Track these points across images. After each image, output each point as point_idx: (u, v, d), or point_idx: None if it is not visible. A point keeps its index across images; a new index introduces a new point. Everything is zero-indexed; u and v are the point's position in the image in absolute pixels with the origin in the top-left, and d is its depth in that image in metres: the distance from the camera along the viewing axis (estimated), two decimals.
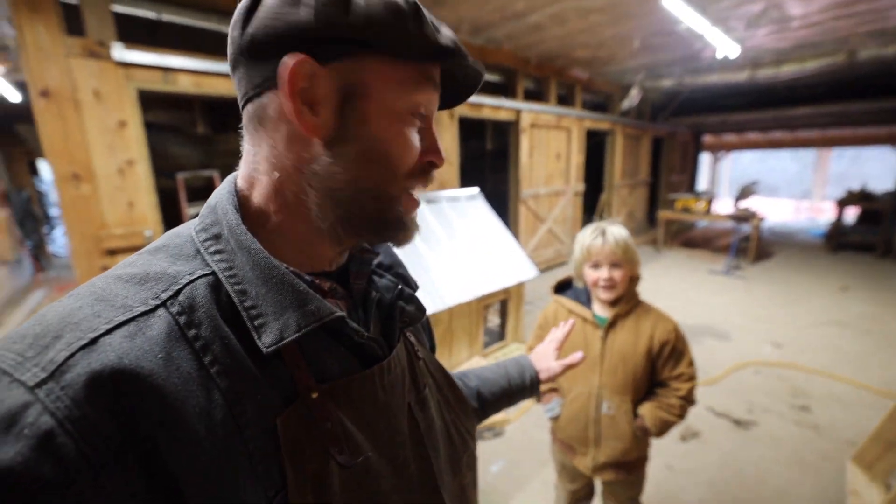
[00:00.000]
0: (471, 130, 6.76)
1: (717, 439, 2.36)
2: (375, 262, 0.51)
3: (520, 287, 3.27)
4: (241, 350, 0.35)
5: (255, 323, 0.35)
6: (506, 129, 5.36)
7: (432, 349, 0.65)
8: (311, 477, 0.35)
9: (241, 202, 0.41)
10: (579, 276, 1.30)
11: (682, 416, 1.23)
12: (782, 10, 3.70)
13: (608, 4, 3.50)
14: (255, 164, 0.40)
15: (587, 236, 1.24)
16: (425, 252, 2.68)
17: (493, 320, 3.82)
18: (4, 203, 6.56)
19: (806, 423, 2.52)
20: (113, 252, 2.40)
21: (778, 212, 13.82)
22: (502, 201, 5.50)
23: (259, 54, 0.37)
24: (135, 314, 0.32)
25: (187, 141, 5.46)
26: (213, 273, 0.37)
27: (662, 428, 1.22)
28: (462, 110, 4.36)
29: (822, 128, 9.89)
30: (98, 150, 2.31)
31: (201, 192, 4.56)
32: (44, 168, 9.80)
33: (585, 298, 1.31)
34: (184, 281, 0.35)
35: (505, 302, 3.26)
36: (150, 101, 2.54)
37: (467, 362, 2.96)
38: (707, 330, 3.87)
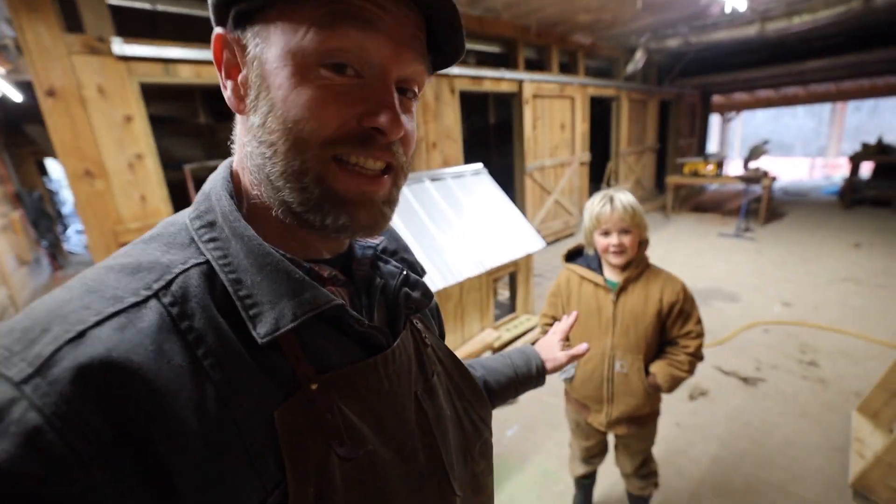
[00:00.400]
0: (473, 105, 6.67)
1: (725, 397, 2.43)
2: (379, 247, 0.49)
3: (528, 259, 3.31)
4: (237, 341, 0.34)
5: (250, 313, 0.34)
6: (508, 102, 5.29)
7: (441, 336, 0.63)
8: (312, 470, 0.35)
9: (237, 188, 0.40)
10: (589, 243, 1.35)
11: (691, 371, 1.29)
12: None
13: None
14: (240, 147, 0.40)
15: (595, 204, 1.29)
16: (433, 229, 2.73)
17: (503, 293, 3.89)
18: (17, 204, 6.72)
19: (813, 377, 2.57)
20: None
21: (792, 171, 13.49)
22: (508, 175, 5.48)
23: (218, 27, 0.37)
24: (125, 305, 0.31)
25: (190, 132, 5.49)
26: (208, 262, 0.36)
27: (673, 384, 1.29)
28: (463, 84, 4.31)
29: (837, 80, 9.52)
30: (107, 146, 2.37)
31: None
32: (53, 167, 9.95)
33: (597, 265, 1.37)
34: (177, 270, 0.34)
35: (514, 274, 3.32)
36: (150, 94, 2.57)
37: (479, 335, 3.05)
38: (716, 293, 3.90)
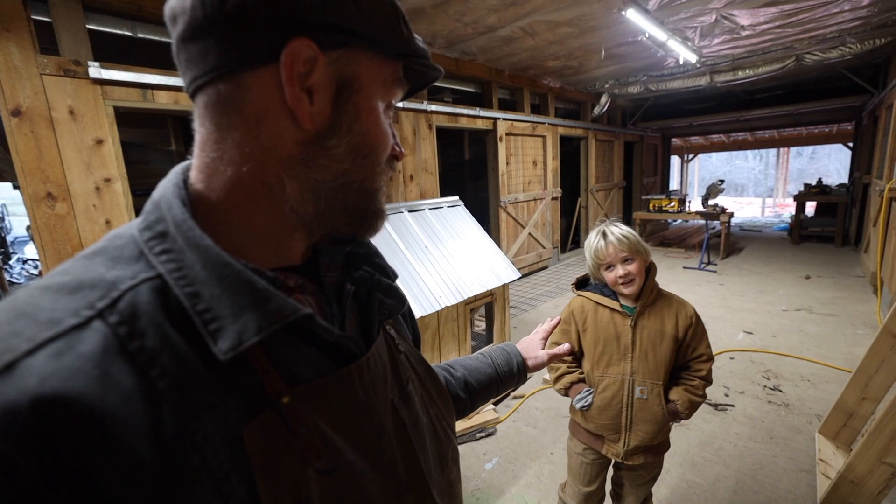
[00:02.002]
0: (449, 140, 6.89)
1: (698, 423, 2.47)
2: (349, 252, 0.49)
3: (504, 290, 3.35)
4: (197, 359, 0.32)
5: (210, 328, 0.32)
6: (482, 139, 5.51)
7: (415, 342, 0.63)
8: (288, 488, 0.33)
9: (194, 195, 0.37)
10: (598, 279, 1.37)
11: (704, 395, 1.30)
12: (732, 21, 3.97)
13: (575, 17, 3.69)
14: (217, 153, 0.36)
15: (591, 242, 1.32)
16: (411, 258, 2.74)
17: (480, 325, 3.89)
18: None
19: (778, 401, 2.66)
20: None
21: (745, 209, 14.45)
22: (483, 208, 5.61)
23: (246, 28, 0.33)
24: (63, 329, 0.28)
25: (160, 158, 5.39)
26: (160, 276, 0.33)
27: (691, 409, 1.28)
28: (440, 121, 4.47)
29: (779, 128, 10.48)
30: (74, 169, 2.29)
31: None
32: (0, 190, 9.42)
33: (610, 291, 1.35)
34: (124, 287, 0.31)
35: (490, 305, 3.34)
36: (121, 119, 2.54)
37: None
38: None
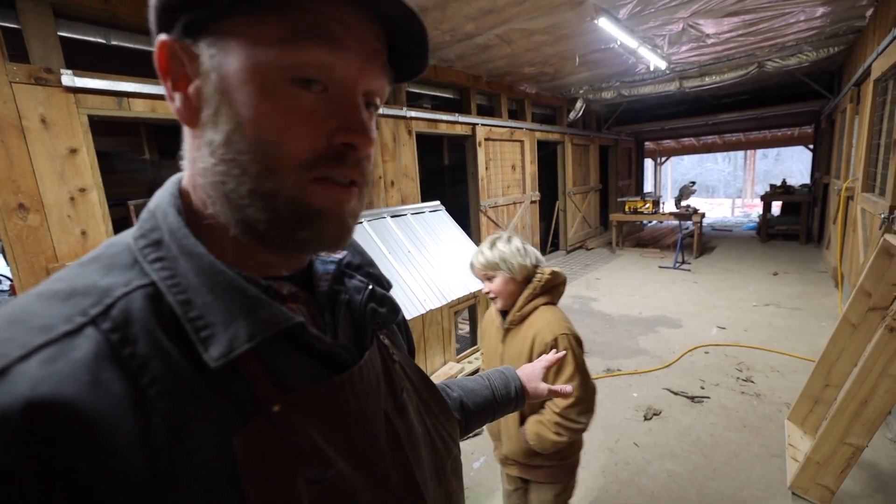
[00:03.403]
0: (428, 146, 6.95)
1: (676, 416, 2.57)
2: (343, 262, 0.48)
3: None
4: (188, 367, 0.31)
5: (201, 335, 0.32)
6: (461, 144, 5.58)
7: (411, 352, 0.62)
8: (278, 497, 0.32)
9: (187, 204, 0.37)
10: None
11: (558, 434, 1.15)
12: (698, 30, 4.16)
13: (550, 26, 3.81)
14: (191, 163, 0.37)
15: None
16: (394, 262, 2.76)
17: (464, 327, 3.93)
18: None
19: (750, 392, 2.79)
20: None
21: (716, 210, 14.99)
22: (463, 212, 5.67)
23: (161, 33, 0.34)
24: (56, 335, 0.28)
25: (134, 167, 5.26)
26: (153, 283, 0.33)
27: (539, 443, 1.19)
28: (419, 127, 4.52)
29: (745, 131, 10.94)
30: (47, 179, 2.23)
31: None
32: None
33: None
34: (117, 293, 0.31)
35: (474, 307, 3.38)
36: (94, 128, 2.49)
37: (442, 368, 3.04)
38: (661, 320, 4.17)
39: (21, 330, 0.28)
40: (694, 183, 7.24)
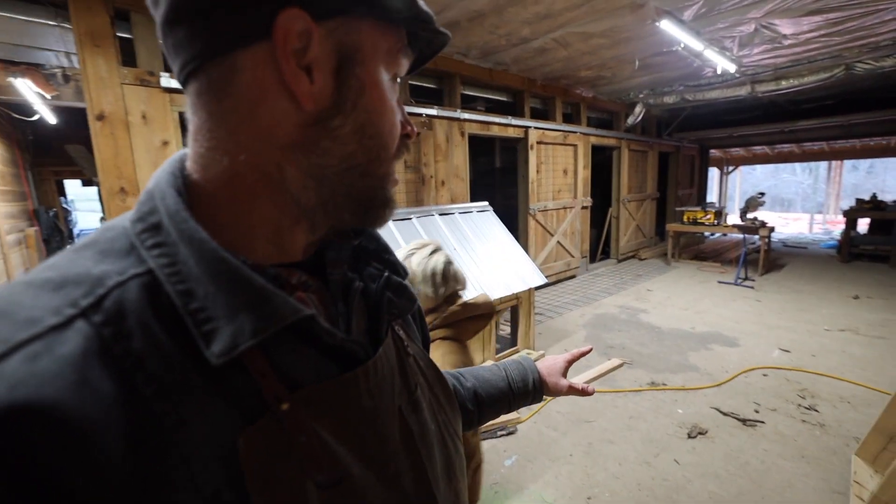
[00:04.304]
0: (480, 148, 7.01)
1: (723, 437, 2.43)
2: (356, 247, 0.46)
3: (530, 294, 3.40)
4: (188, 363, 0.29)
5: (203, 329, 0.29)
6: (514, 147, 5.58)
7: (425, 343, 0.59)
8: (285, 502, 0.30)
9: (191, 186, 0.34)
10: None
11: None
12: (773, 31, 3.88)
13: (608, 29, 3.74)
14: (212, 142, 0.33)
15: None
16: None
17: (504, 328, 3.94)
18: (34, 220, 6.96)
19: (813, 421, 2.57)
20: None
21: (791, 225, 13.72)
22: (512, 215, 5.67)
23: (231, 3, 0.30)
24: (41, 329, 0.26)
25: None
26: (150, 271, 0.30)
27: None
28: (472, 128, 4.60)
29: (828, 140, 9.95)
30: (144, 167, 2.56)
31: None
32: (70, 187, 10.34)
33: None
34: (111, 283, 0.29)
35: (516, 308, 3.39)
36: (185, 125, 2.83)
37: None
38: (716, 337, 3.93)
39: (4, 324, 0.26)
40: (763, 194, 6.71)
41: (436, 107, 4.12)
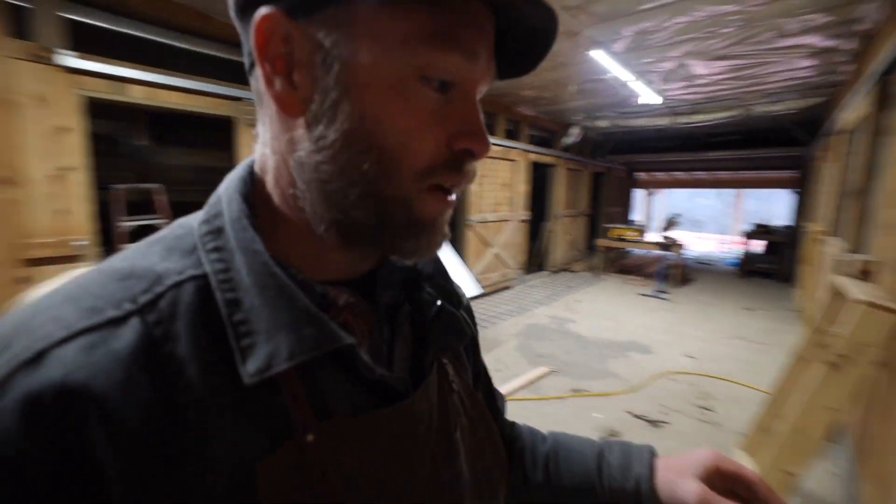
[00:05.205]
0: None
1: (634, 437, 2.61)
2: (410, 269, 0.42)
3: None
4: (225, 375, 0.28)
5: (242, 343, 0.29)
6: None
7: (476, 377, 0.52)
8: None
9: (258, 191, 0.34)
10: None
11: None
12: (689, 70, 4.35)
13: (550, 52, 3.95)
14: (262, 146, 0.34)
15: None
16: None
17: None
18: None
19: (709, 420, 2.86)
20: (37, 262, 2.31)
21: (703, 244, 15.30)
22: (451, 225, 5.75)
23: (246, 12, 0.30)
24: (101, 320, 0.26)
25: (124, 152, 5.27)
26: (206, 275, 0.30)
27: None
28: None
29: (734, 170, 11.27)
30: (34, 155, 2.26)
31: (139, 207, 4.41)
32: None
33: None
34: (169, 282, 0.29)
35: None
36: (92, 110, 2.55)
37: None
38: (634, 345, 4.25)
39: (71, 309, 0.27)
40: (679, 215, 7.43)
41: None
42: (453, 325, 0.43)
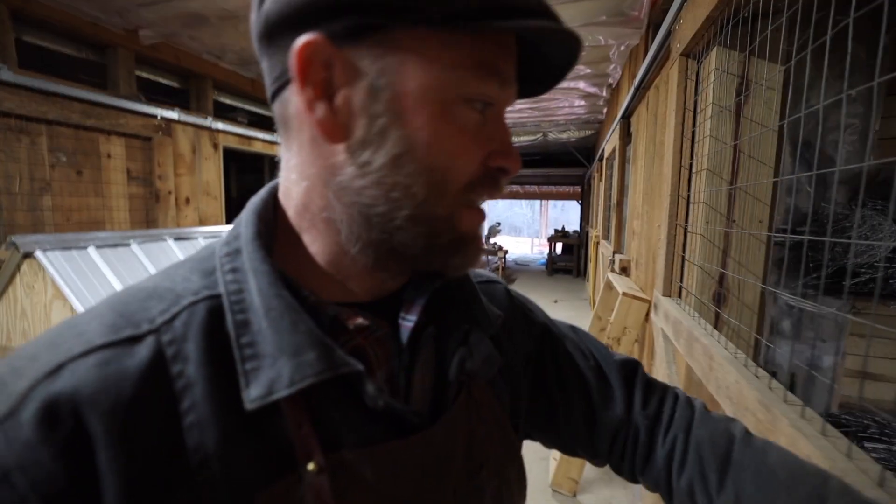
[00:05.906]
0: (248, 164, 6.32)
1: None
2: (437, 290, 0.38)
3: None
4: (230, 399, 0.27)
5: (247, 366, 0.28)
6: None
7: (514, 411, 0.45)
8: None
9: (280, 214, 0.35)
10: None
11: None
12: None
13: None
14: (287, 172, 0.34)
15: None
16: None
17: None
18: None
19: None
20: None
21: (521, 247, 17.90)
22: None
23: (275, 38, 0.30)
24: (118, 338, 0.26)
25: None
26: (220, 296, 0.30)
27: None
28: (229, 141, 4.05)
29: (539, 185, 13.53)
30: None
31: None
32: None
33: None
34: (185, 302, 0.29)
35: None
36: None
37: None
38: None
39: (95, 326, 0.27)
40: (500, 224, 8.49)
41: (178, 109, 3.42)
42: (481, 351, 0.38)
